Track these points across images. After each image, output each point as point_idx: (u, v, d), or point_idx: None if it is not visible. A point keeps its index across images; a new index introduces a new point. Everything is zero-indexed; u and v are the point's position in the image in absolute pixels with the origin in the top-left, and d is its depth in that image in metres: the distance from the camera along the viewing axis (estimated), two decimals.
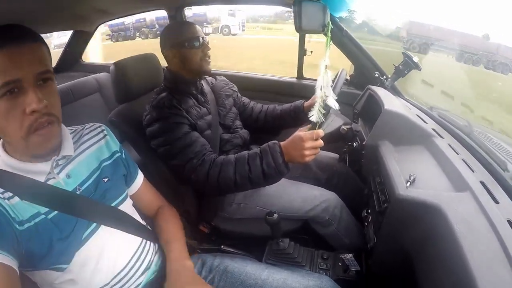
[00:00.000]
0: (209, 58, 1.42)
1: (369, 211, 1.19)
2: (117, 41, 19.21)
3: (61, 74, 2.69)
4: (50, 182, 0.82)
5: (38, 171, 0.81)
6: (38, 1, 1.36)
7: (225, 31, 18.28)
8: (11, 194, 0.75)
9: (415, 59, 1.54)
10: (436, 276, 0.75)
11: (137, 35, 19.59)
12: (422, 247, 0.83)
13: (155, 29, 18.52)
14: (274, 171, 1.14)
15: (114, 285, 0.87)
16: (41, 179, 0.81)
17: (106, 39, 18.94)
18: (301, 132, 1.10)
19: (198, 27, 1.43)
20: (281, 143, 1.15)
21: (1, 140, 0.81)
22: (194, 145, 1.25)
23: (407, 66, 1.58)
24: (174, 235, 1.01)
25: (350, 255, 1.23)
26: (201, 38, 1.38)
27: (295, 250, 1.24)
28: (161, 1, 2.14)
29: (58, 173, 0.84)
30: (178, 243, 0.99)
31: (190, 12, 16.68)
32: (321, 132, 1.08)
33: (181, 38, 1.37)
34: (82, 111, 2.11)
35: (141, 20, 19.17)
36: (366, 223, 1.21)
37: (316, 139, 1.08)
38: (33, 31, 0.75)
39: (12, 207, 0.74)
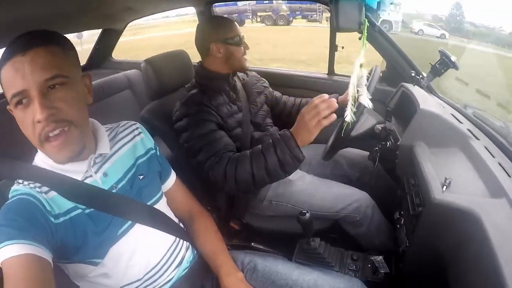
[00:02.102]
0: (246, 56, 1.45)
1: (402, 213, 1.17)
2: (275, 24, 17.18)
3: (91, 72, 2.76)
4: (88, 181, 0.84)
5: (75, 170, 0.83)
6: (67, 3, 1.40)
7: None
8: (47, 189, 0.78)
9: (453, 58, 1.48)
10: (468, 282, 0.74)
11: (257, 20, 17.30)
12: (456, 252, 0.82)
13: (281, 14, 16.83)
14: (290, 157, 1.11)
15: (147, 280, 0.89)
16: (79, 177, 0.83)
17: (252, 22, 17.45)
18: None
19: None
20: (291, 129, 1.13)
21: None
22: (216, 143, 1.25)
23: (444, 65, 1.52)
24: (219, 247, 1.04)
25: (380, 257, 1.21)
26: (242, 36, 1.41)
27: (325, 250, 1.23)
28: None
29: (95, 172, 0.86)
30: (225, 255, 1.02)
31: None
32: (317, 99, 1.03)
33: (228, 34, 1.39)
34: (113, 108, 2.15)
35: (264, 2, 17.05)
36: (398, 225, 1.19)
37: (314, 107, 1.03)
38: (42, 35, 0.74)
39: (48, 201, 0.77)
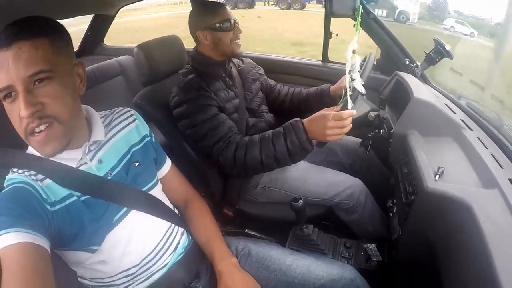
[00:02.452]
0: (239, 41, 1.42)
1: (395, 201, 1.18)
2: (289, 8, 16.11)
3: (84, 58, 2.72)
4: (83, 168, 0.83)
5: (70, 157, 0.82)
6: None
7: None
8: (43, 176, 0.77)
9: (447, 46, 1.48)
10: (459, 271, 0.75)
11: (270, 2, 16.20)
12: (447, 242, 0.83)
13: None
14: (299, 149, 1.14)
15: (143, 266, 0.90)
16: (73, 165, 0.82)
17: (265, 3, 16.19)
18: (326, 111, 1.08)
19: (228, 8, 1.41)
20: (304, 120, 1.14)
21: None
22: (221, 127, 1.26)
23: (438, 54, 1.52)
24: (213, 232, 1.05)
25: (373, 245, 1.23)
26: (232, 20, 1.38)
27: (318, 237, 1.24)
28: None
29: (90, 159, 0.85)
30: (219, 240, 1.03)
31: None
32: (346, 113, 1.05)
33: (213, 19, 1.36)
34: (106, 94, 2.12)
35: None
36: (391, 214, 1.20)
37: (340, 120, 1.05)
38: (28, 27, 0.71)
39: (44, 188, 0.76)
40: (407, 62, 1.63)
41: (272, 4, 16.98)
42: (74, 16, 2.23)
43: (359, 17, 1.01)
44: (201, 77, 1.34)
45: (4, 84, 0.68)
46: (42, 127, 0.72)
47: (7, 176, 0.78)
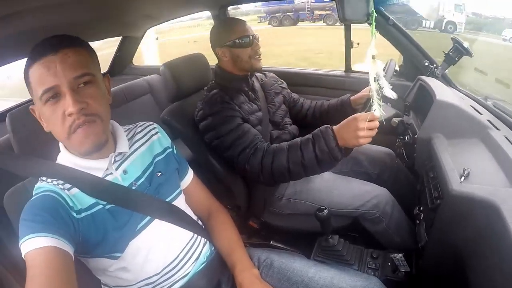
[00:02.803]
0: (260, 56, 1.44)
1: (421, 208, 1.15)
2: (280, 25, 15.96)
3: (113, 78, 2.85)
4: (108, 178, 0.88)
5: (97, 167, 0.86)
6: (88, 12, 1.46)
7: None
8: (70, 185, 0.82)
9: (466, 44, 1.44)
10: (489, 275, 0.73)
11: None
12: (476, 245, 0.80)
13: None
14: (328, 156, 1.11)
15: (164, 274, 0.92)
16: (100, 174, 0.86)
17: (258, 22, 16.02)
18: (356, 114, 1.06)
19: (247, 24, 1.44)
20: (334, 126, 1.11)
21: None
22: (246, 136, 1.27)
23: (457, 52, 1.49)
24: (235, 243, 1.05)
25: (400, 255, 1.19)
26: (251, 36, 1.40)
27: (344, 248, 1.22)
28: (204, 2, 2.19)
29: (116, 169, 0.89)
30: (241, 251, 1.03)
31: None
32: (376, 113, 1.02)
33: (231, 36, 1.40)
34: (135, 112, 2.20)
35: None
36: (417, 221, 1.17)
37: (371, 120, 1.03)
38: (70, 38, 0.80)
39: (71, 197, 0.81)
40: (427, 64, 1.60)
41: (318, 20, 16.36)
42: (104, 38, 2.37)
43: (374, 21, 1.00)
44: (225, 92, 1.38)
45: (51, 84, 0.74)
46: (85, 126, 0.78)
47: (36, 185, 0.84)
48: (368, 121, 1.02)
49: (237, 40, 1.39)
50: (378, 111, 1.00)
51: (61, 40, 0.77)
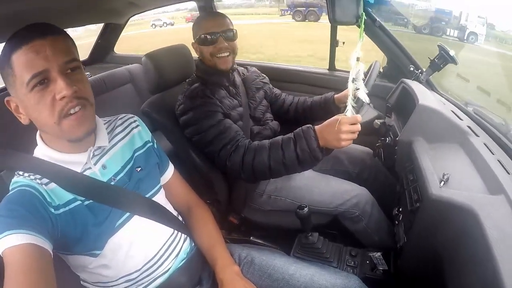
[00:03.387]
0: (230, 54, 1.38)
1: (401, 209, 1.17)
2: (304, 20, 15.21)
3: (94, 66, 2.77)
4: (87, 173, 0.85)
5: (75, 161, 0.84)
6: None
7: None
8: (48, 180, 0.79)
9: (451, 52, 1.47)
10: (465, 280, 0.74)
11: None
12: (453, 250, 0.82)
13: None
14: (309, 156, 1.11)
15: (145, 271, 0.91)
16: (78, 169, 0.84)
17: (280, 15, 15.21)
18: (338, 116, 1.06)
19: (222, 19, 1.38)
20: (316, 126, 1.11)
21: (38, 132, 0.84)
22: (228, 132, 1.26)
23: (442, 59, 1.52)
24: (216, 239, 1.05)
25: (379, 253, 1.21)
26: (216, 34, 1.34)
27: (323, 245, 1.24)
28: None
29: (94, 164, 0.87)
30: (221, 248, 1.03)
31: None
32: (358, 117, 1.04)
33: (198, 31, 1.37)
34: (115, 101, 2.16)
35: None
36: (396, 222, 1.19)
37: (354, 124, 1.04)
38: (55, 26, 0.78)
39: (49, 192, 0.78)
40: (412, 69, 1.62)
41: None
42: (86, 24, 2.30)
43: (363, 24, 1.00)
44: (205, 86, 1.35)
45: (41, 68, 0.72)
46: (77, 108, 0.76)
47: (12, 179, 0.80)
48: (351, 124, 1.03)
49: (201, 36, 1.36)
50: (350, 112, 1.02)
51: (47, 26, 0.76)
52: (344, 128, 1.03)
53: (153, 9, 2.52)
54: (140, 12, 2.55)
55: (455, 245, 0.81)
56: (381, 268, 1.18)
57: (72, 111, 0.76)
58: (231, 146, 1.24)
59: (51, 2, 1.33)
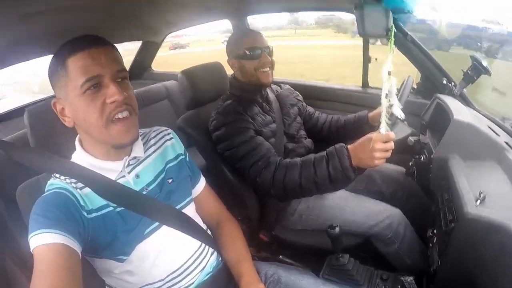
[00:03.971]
0: (270, 69, 1.42)
1: (435, 231, 1.13)
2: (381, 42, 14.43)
3: (132, 82, 2.89)
4: (121, 181, 0.89)
5: (111, 169, 0.88)
6: (110, 15, 1.49)
7: None
8: (82, 185, 0.84)
9: (484, 63, 1.42)
10: None
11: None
12: (491, 273, 0.79)
13: None
14: (341, 175, 1.10)
15: (169, 281, 0.93)
16: (113, 177, 0.88)
17: (352, 37, 13.28)
18: (371, 134, 1.05)
19: (261, 36, 1.43)
20: (349, 146, 1.11)
21: (78, 137, 0.90)
22: (259, 148, 1.28)
23: (476, 71, 1.46)
24: (243, 256, 1.05)
25: (411, 278, 1.17)
26: (259, 49, 1.39)
27: (354, 267, 1.21)
28: (224, 12, 2.20)
29: (128, 173, 0.91)
30: (248, 264, 1.03)
31: None
32: (392, 134, 1.02)
33: (240, 47, 1.41)
34: (152, 116, 2.23)
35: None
36: (430, 244, 1.15)
37: (387, 141, 1.02)
38: (105, 39, 0.84)
39: (83, 196, 0.82)
40: (445, 82, 1.57)
41: None
42: (124, 41, 2.41)
43: (392, 37, 0.99)
44: (238, 102, 1.38)
45: (95, 73, 0.77)
46: (125, 113, 0.81)
47: (48, 181, 0.86)
48: (384, 142, 1.01)
49: (244, 52, 1.39)
50: (384, 128, 1.00)
51: (100, 38, 0.82)
52: (377, 146, 1.01)
53: (189, 27, 2.60)
54: (176, 30, 2.65)
55: (493, 268, 0.78)
56: None
57: (120, 116, 0.81)
58: (262, 163, 1.25)
59: (91, 19, 1.42)
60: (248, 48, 1.39)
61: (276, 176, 1.21)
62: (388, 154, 1.03)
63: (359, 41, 2.02)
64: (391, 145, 1.02)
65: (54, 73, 0.81)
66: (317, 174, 1.14)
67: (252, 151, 1.27)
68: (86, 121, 0.81)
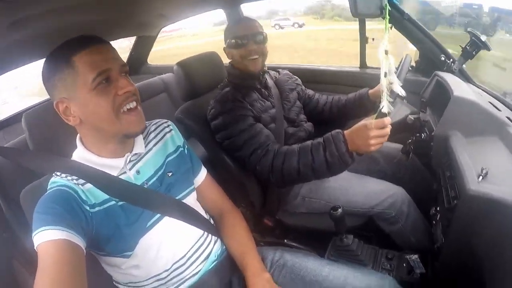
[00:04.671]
0: (260, 57, 1.40)
1: (438, 208, 1.13)
2: None
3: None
4: (122, 176, 0.90)
5: (112, 165, 0.89)
6: (102, 13, 1.48)
7: None
8: (84, 181, 0.85)
9: (483, 37, 1.40)
10: (506, 281, 0.71)
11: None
12: (492, 249, 0.78)
13: None
14: (338, 161, 1.11)
15: (174, 270, 0.94)
16: (114, 173, 0.89)
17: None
18: (366, 121, 1.04)
19: (252, 23, 1.41)
20: (345, 131, 1.11)
21: (79, 135, 0.90)
22: (258, 136, 1.28)
23: (474, 46, 1.44)
24: (247, 246, 1.05)
25: (416, 256, 1.17)
26: (246, 37, 1.37)
27: (358, 248, 1.22)
28: (217, 1, 2.18)
29: (129, 169, 0.92)
30: (253, 254, 1.03)
31: None
32: (387, 120, 1.01)
33: (229, 36, 1.41)
34: (151, 110, 2.18)
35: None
36: (434, 222, 1.15)
37: (383, 127, 1.01)
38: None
39: (85, 191, 0.83)
40: (443, 59, 1.55)
41: None
42: (119, 38, 2.40)
43: (387, 15, 0.98)
44: (237, 89, 1.38)
45: (105, 67, 0.80)
46: (134, 103, 0.85)
47: (50, 180, 0.86)
48: (380, 128, 1.01)
49: (232, 40, 1.40)
50: (387, 107, 0.99)
51: (99, 37, 0.84)
52: (372, 133, 1.02)
53: (183, 19, 2.58)
54: (170, 23, 2.62)
55: (495, 244, 0.77)
56: (418, 271, 1.14)
57: (130, 106, 0.84)
58: (261, 151, 1.25)
59: (83, 18, 1.40)
60: (236, 37, 1.39)
61: (274, 163, 1.22)
62: (385, 139, 1.03)
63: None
64: (387, 131, 1.02)
65: (55, 74, 0.80)
66: (315, 160, 1.14)
67: (250, 139, 1.27)
68: (97, 115, 0.82)
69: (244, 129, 1.28)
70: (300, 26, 18.96)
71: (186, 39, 17.19)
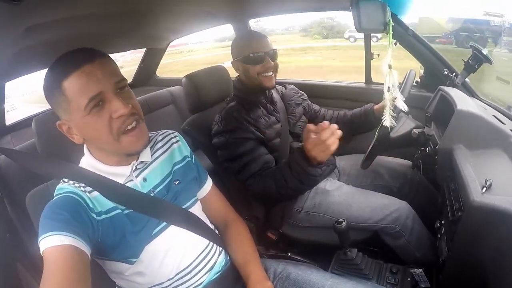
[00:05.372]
0: (271, 74, 1.42)
1: (443, 221, 1.12)
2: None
3: (137, 89, 2.94)
4: (129, 184, 0.91)
5: (119, 173, 0.90)
6: (111, 25, 1.52)
7: None
8: (91, 188, 0.86)
9: (485, 51, 1.41)
10: None
11: None
12: (498, 260, 0.78)
13: None
14: (306, 177, 1.18)
15: (178, 280, 0.94)
16: (121, 181, 0.90)
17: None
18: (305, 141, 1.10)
19: (266, 40, 1.44)
20: (303, 147, 1.15)
21: (85, 146, 0.91)
22: (256, 163, 1.33)
23: (476, 60, 1.45)
24: (250, 255, 1.06)
25: (420, 270, 1.17)
26: (263, 53, 1.39)
27: (362, 261, 1.21)
28: (225, 16, 2.22)
29: (136, 177, 0.93)
30: (256, 263, 1.03)
31: None
32: (325, 123, 1.05)
33: (243, 51, 1.42)
34: (158, 122, 2.24)
35: None
36: (439, 235, 1.14)
37: (317, 132, 1.05)
38: (98, 50, 0.83)
39: (92, 199, 0.84)
40: (446, 73, 1.57)
41: None
42: (128, 50, 2.46)
43: (391, 31, 0.99)
44: (242, 105, 1.40)
45: (96, 91, 0.77)
46: (134, 124, 0.83)
47: (57, 186, 0.87)
48: (318, 132, 1.04)
49: (248, 56, 1.40)
50: (389, 121, 1.00)
51: (92, 50, 0.81)
52: (308, 146, 1.09)
53: (192, 33, 2.63)
54: (179, 37, 2.68)
55: (500, 256, 0.77)
56: (423, 286, 1.13)
57: (129, 127, 0.82)
58: (253, 179, 1.32)
59: (92, 29, 1.45)
60: (251, 52, 1.40)
61: (257, 188, 1.30)
62: (338, 135, 1.05)
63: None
64: (325, 135, 1.04)
65: (51, 97, 0.81)
66: (287, 181, 1.24)
67: (247, 165, 1.32)
68: (96, 138, 0.83)
69: (242, 153, 1.32)
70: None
71: (182, 55, 17.46)
